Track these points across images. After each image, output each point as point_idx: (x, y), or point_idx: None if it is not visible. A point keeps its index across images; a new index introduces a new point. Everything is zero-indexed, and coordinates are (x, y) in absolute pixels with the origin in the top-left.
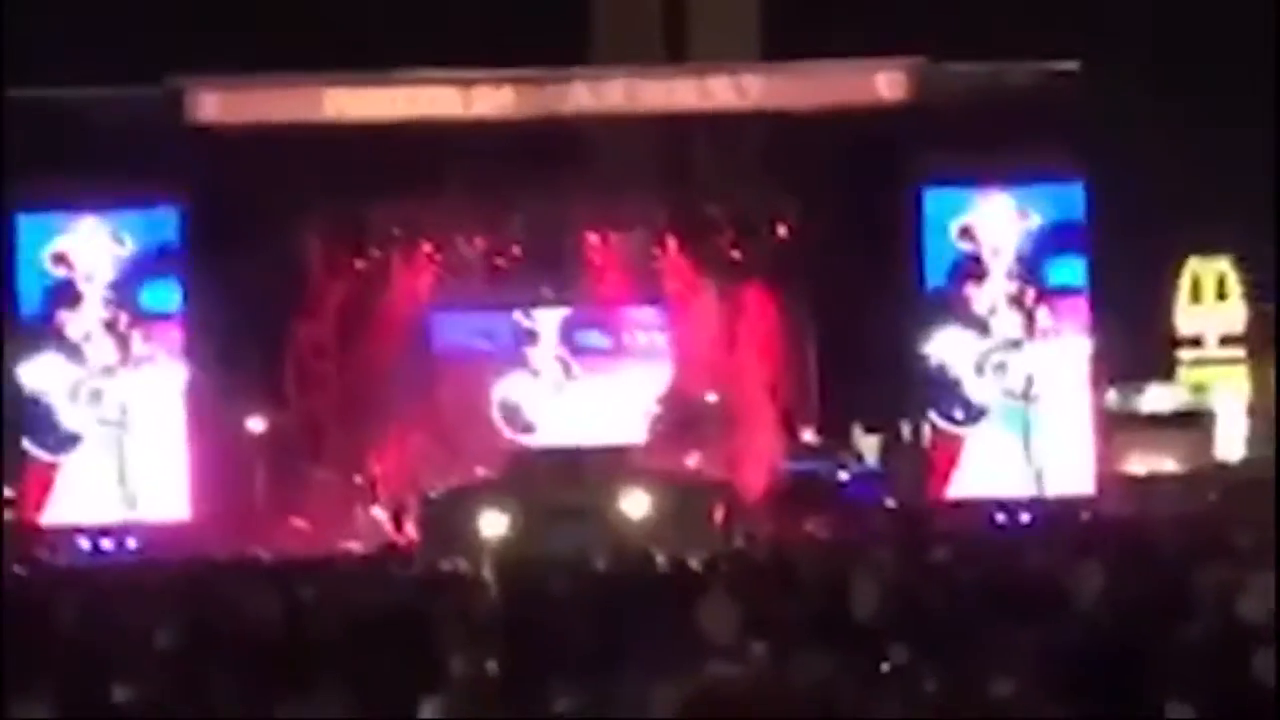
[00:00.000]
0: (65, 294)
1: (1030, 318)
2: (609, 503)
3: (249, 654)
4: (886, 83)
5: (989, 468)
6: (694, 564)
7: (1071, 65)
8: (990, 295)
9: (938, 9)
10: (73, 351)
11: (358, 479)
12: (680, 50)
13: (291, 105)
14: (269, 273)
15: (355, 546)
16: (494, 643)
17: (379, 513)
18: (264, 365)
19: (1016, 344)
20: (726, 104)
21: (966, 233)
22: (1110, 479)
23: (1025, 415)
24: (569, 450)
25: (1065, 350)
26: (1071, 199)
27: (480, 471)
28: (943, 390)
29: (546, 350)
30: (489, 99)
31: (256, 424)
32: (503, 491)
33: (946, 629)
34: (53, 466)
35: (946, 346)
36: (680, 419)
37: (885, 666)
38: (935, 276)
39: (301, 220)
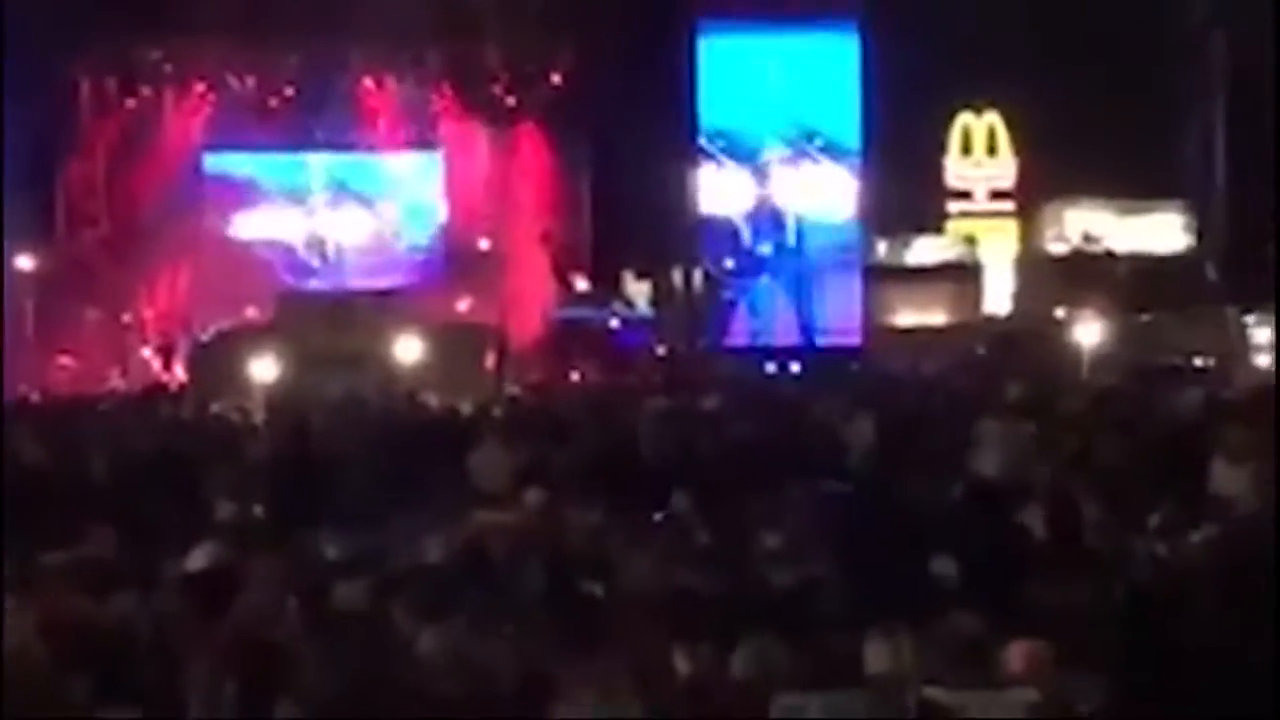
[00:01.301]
0: None
1: (803, 168)
2: (380, 347)
3: (14, 494)
4: None
5: (759, 317)
6: (466, 410)
7: None
8: (764, 144)
9: None
10: None
11: (127, 318)
12: None
13: None
14: (38, 111)
15: (122, 386)
16: (264, 487)
17: (148, 353)
18: (34, 204)
19: (789, 194)
20: None
21: (742, 79)
22: (879, 330)
23: (796, 266)
24: (341, 294)
25: (836, 201)
26: (846, 49)
27: (252, 314)
28: (715, 239)
29: (319, 193)
30: None
31: (25, 262)
32: (274, 335)
33: (715, 479)
34: None
35: (719, 195)
36: (452, 264)
37: (657, 516)
38: (710, 124)
39: (71, 58)
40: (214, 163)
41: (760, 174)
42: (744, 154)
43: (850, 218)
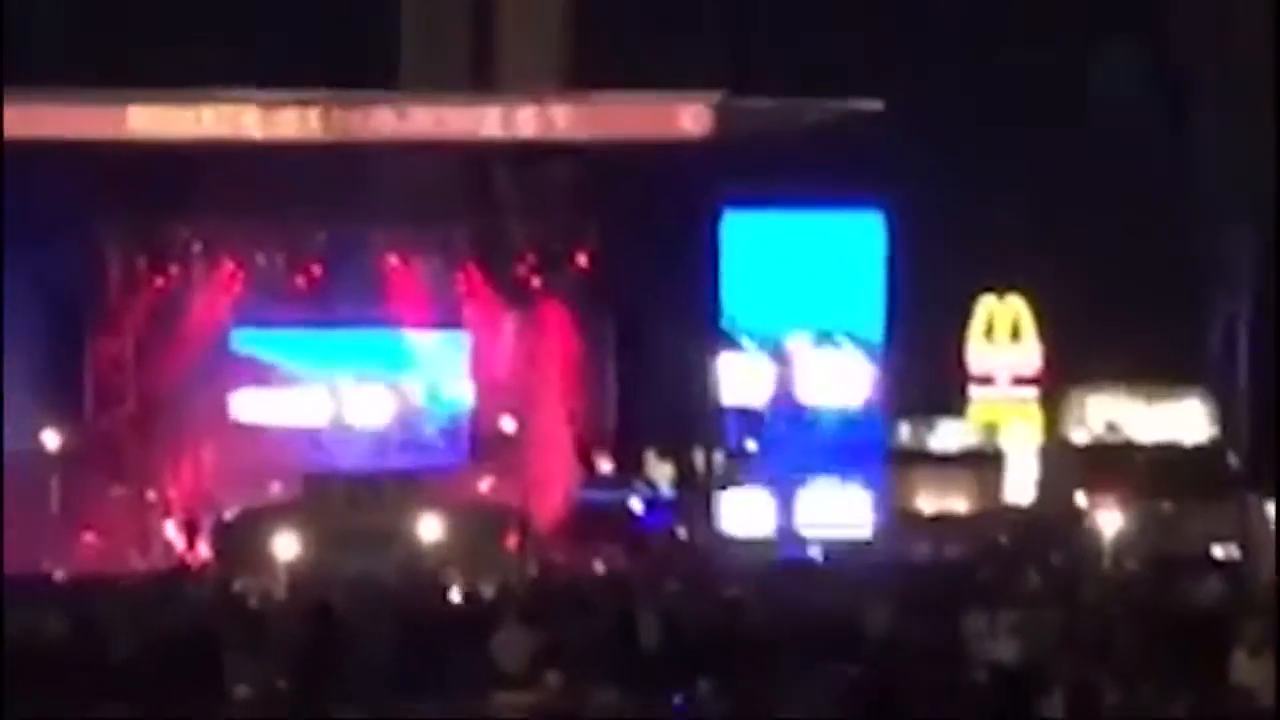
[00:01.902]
0: None
1: (824, 355)
2: (403, 527)
3: (39, 670)
4: (690, 115)
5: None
6: (487, 592)
7: (875, 104)
8: (786, 328)
9: (743, 44)
10: None
11: (151, 496)
12: (487, 79)
13: (95, 122)
14: (70, 287)
15: (147, 565)
16: (286, 665)
17: (173, 531)
18: (63, 380)
19: (810, 382)
20: (532, 133)
21: (765, 257)
22: (900, 517)
23: (816, 451)
24: (364, 474)
25: (857, 388)
26: (869, 234)
27: (276, 492)
28: (735, 420)
29: (344, 372)
30: (293, 121)
31: (51, 439)
32: (298, 514)
33: (734, 664)
34: None
35: (741, 381)
36: (476, 444)
37: (677, 699)
38: (732, 307)
39: (103, 236)
40: (241, 340)
41: (782, 361)
42: (766, 338)
43: (871, 404)
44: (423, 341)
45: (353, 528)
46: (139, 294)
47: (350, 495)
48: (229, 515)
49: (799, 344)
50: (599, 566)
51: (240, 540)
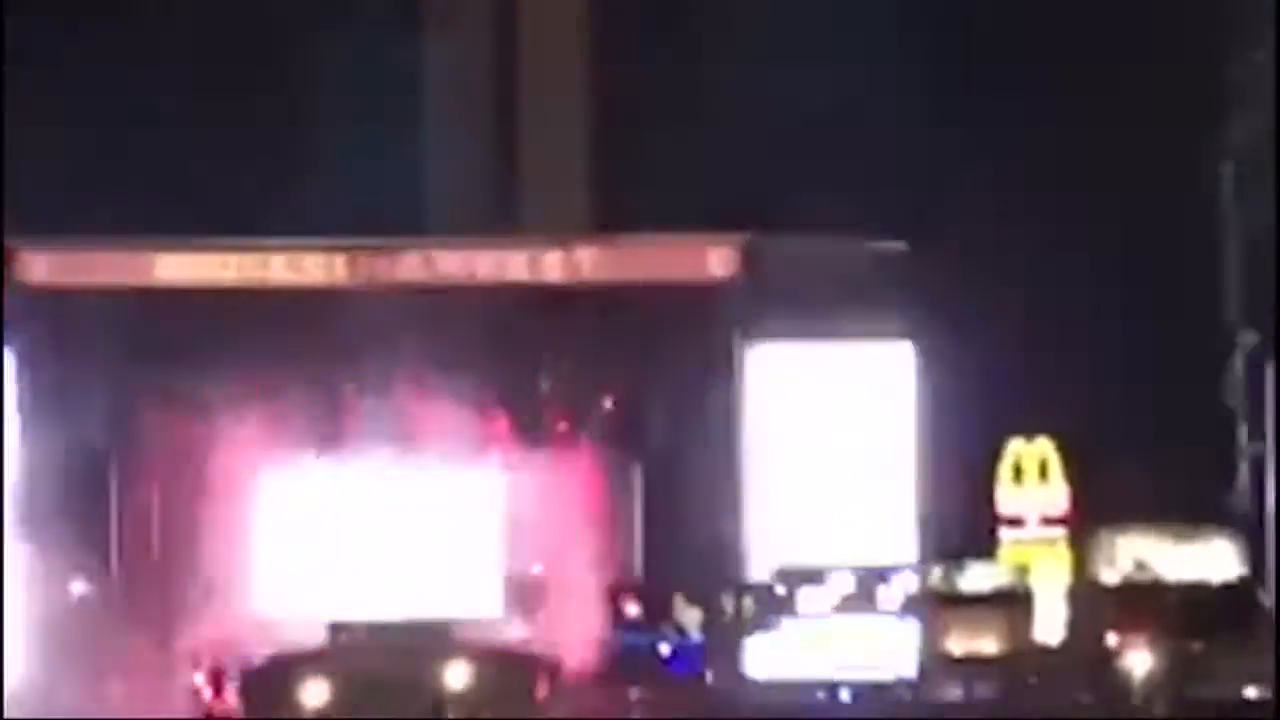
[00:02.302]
0: None
1: (854, 491)
2: (432, 676)
3: None
4: (717, 257)
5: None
6: None
7: (899, 245)
8: (815, 467)
9: (769, 185)
10: None
11: (179, 645)
12: (514, 222)
13: (123, 268)
14: (96, 434)
15: (175, 715)
16: None
17: (200, 680)
18: (90, 528)
19: (841, 517)
20: (559, 277)
21: (792, 404)
22: (931, 659)
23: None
24: (392, 620)
25: (890, 526)
26: (898, 375)
27: (302, 639)
28: (767, 562)
29: (374, 515)
30: (323, 267)
31: (79, 589)
32: (324, 662)
33: None
34: None
35: (771, 520)
36: (505, 589)
37: None
38: (760, 448)
39: (130, 382)
40: (269, 486)
41: (811, 496)
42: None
43: (905, 541)
44: (450, 486)
45: (380, 676)
46: (166, 444)
47: (376, 642)
48: (255, 663)
49: (826, 484)
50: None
51: (267, 689)
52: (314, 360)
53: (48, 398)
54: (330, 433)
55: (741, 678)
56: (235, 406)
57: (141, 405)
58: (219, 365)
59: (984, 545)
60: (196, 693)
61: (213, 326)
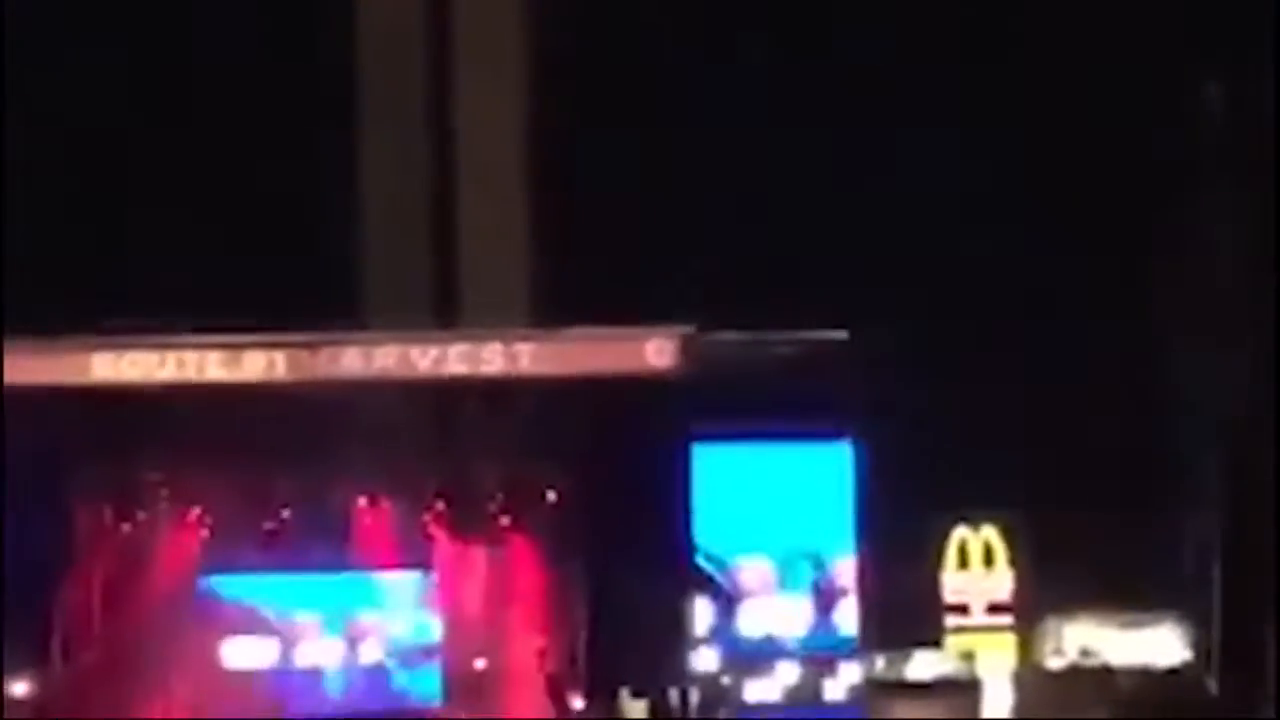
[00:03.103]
0: None
1: (798, 587)
2: None
3: None
4: (655, 350)
5: None
6: None
7: (840, 334)
8: (758, 564)
9: (707, 279)
10: None
11: None
12: (451, 317)
13: (57, 367)
14: (33, 536)
15: None
16: None
17: None
18: (30, 631)
19: (787, 612)
20: (497, 371)
21: (734, 497)
22: None
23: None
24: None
25: (835, 621)
26: (840, 465)
27: None
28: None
29: (314, 617)
30: (259, 364)
31: (20, 689)
32: None
33: None
34: None
35: (713, 613)
36: (448, 685)
37: None
38: (703, 541)
39: (67, 484)
40: (209, 587)
41: (754, 591)
42: (737, 573)
43: (848, 636)
44: (392, 583)
45: None
46: (105, 541)
47: None
48: None
49: (768, 578)
50: None
51: None
52: (255, 459)
53: None
54: (270, 531)
55: None
56: (174, 505)
57: (80, 505)
58: (157, 464)
59: (930, 634)
60: None
61: (150, 426)
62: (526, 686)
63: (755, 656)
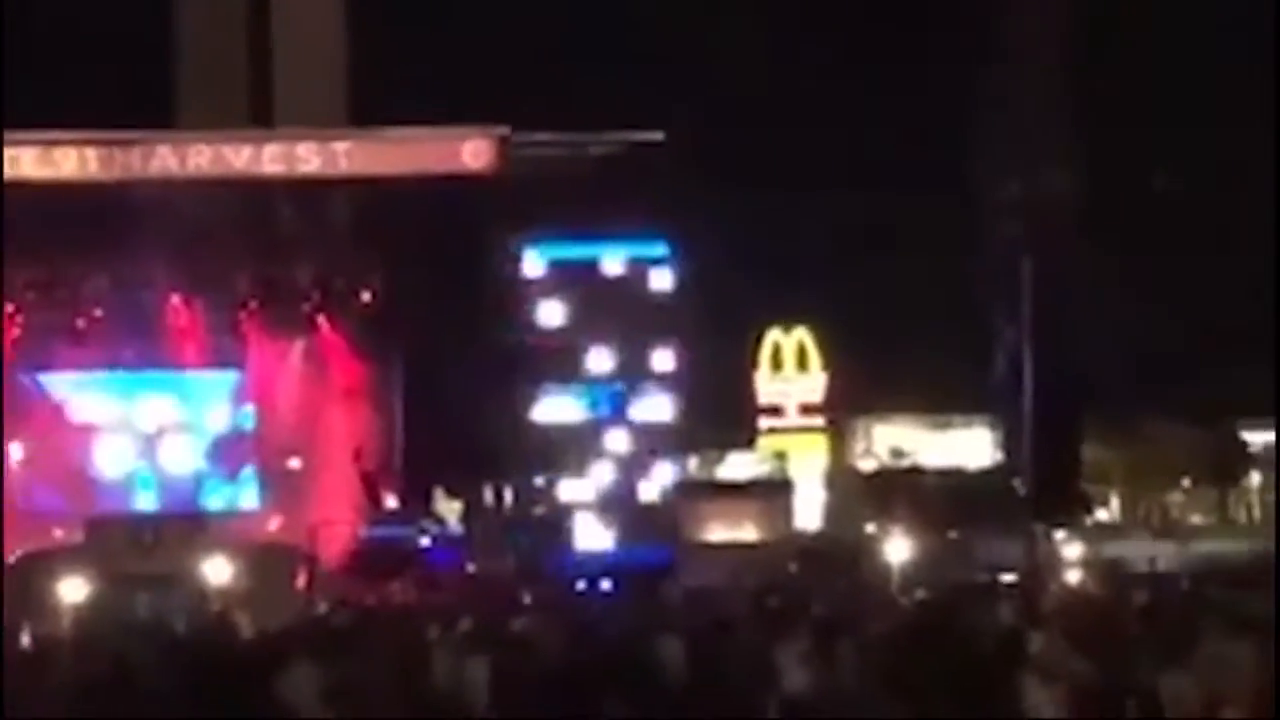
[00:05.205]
0: None
1: (618, 385)
2: (190, 568)
3: None
4: (472, 151)
5: (575, 532)
6: (274, 631)
7: (655, 135)
8: (578, 361)
9: (524, 81)
10: None
11: None
12: (267, 116)
13: None
14: None
15: None
16: (72, 711)
17: None
18: None
19: (607, 411)
20: (314, 170)
21: (556, 297)
22: (692, 546)
23: (616, 481)
24: (150, 516)
25: (651, 418)
26: (657, 267)
27: (60, 536)
28: (529, 456)
29: (128, 414)
30: (71, 161)
31: None
32: (82, 558)
33: (526, 699)
34: None
35: (534, 411)
36: (263, 484)
37: None
38: (522, 341)
39: None
40: (20, 385)
41: (575, 390)
42: (557, 371)
43: (665, 432)
44: (205, 382)
45: (137, 571)
46: None
47: (134, 538)
48: (13, 561)
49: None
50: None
51: (23, 586)
52: (70, 257)
53: None
54: (84, 329)
55: (501, 568)
56: None
57: None
58: None
59: (743, 435)
60: None
61: None
62: (341, 485)
63: (569, 457)
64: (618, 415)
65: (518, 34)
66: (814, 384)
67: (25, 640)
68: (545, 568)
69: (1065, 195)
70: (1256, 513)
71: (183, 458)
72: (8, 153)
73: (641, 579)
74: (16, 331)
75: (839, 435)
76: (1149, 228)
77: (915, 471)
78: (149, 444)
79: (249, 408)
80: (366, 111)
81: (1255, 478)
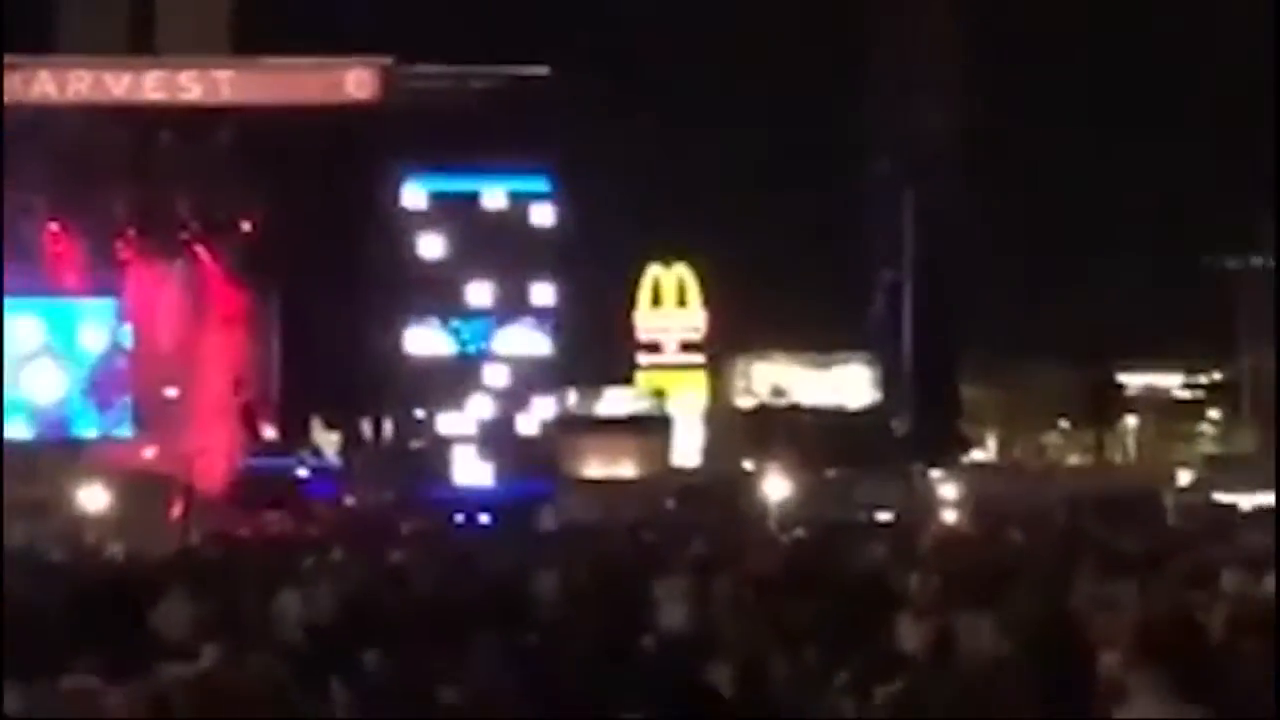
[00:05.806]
0: None
1: (497, 319)
2: (64, 496)
3: None
4: (355, 81)
5: (453, 466)
6: (149, 561)
7: (540, 70)
8: (458, 294)
9: (408, 12)
10: None
11: None
12: (147, 43)
13: None
14: None
15: None
16: None
17: None
18: None
19: (486, 345)
20: (196, 98)
21: (436, 230)
22: (569, 481)
23: (494, 416)
24: (23, 443)
25: (530, 352)
26: (538, 202)
27: None
28: (408, 388)
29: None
30: None
31: None
32: None
33: (399, 632)
34: None
35: (413, 344)
36: (139, 412)
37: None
38: (402, 274)
39: None
40: None
41: (454, 324)
42: (437, 304)
43: (543, 367)
44: (82, 309)
45: (11, 497)
46: None
47: (5, 465)
48: None
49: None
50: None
51: None
52: None
53: None
54: None
55: (379, 500)
56: None
57: None
58: None
59: (622, 370)
60: None
61: None
62: (218, 414)
63: (448, 391)
64: (497, 349)
65: None
66: (694, 320)
67: None
68: (423, 501)
69: (946, 133)
70: (1132, 454)
71: (56, 385)
72: None
73: (520, 513)
74: None
75: (718, 372)
76: (1029, 167)
77: (794, 410)
78: (26, 370)
79: (126, 334)
80: (249, 40)
81: (1131, 420)
